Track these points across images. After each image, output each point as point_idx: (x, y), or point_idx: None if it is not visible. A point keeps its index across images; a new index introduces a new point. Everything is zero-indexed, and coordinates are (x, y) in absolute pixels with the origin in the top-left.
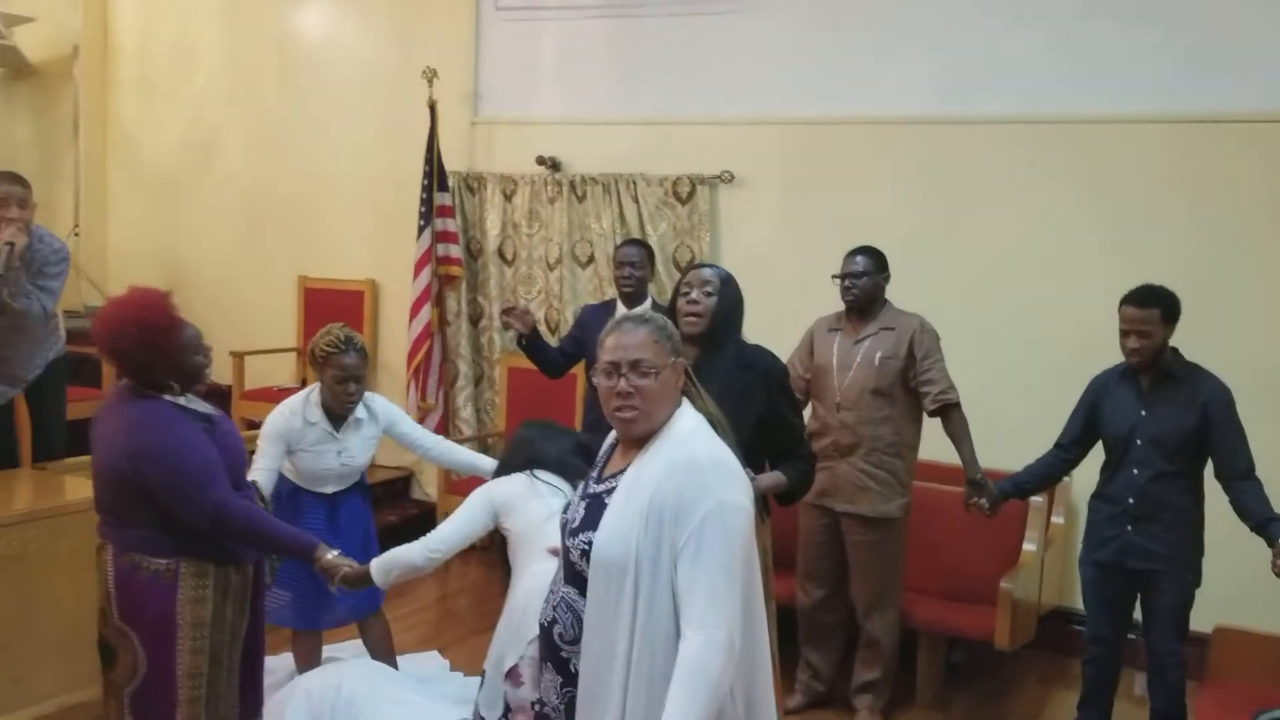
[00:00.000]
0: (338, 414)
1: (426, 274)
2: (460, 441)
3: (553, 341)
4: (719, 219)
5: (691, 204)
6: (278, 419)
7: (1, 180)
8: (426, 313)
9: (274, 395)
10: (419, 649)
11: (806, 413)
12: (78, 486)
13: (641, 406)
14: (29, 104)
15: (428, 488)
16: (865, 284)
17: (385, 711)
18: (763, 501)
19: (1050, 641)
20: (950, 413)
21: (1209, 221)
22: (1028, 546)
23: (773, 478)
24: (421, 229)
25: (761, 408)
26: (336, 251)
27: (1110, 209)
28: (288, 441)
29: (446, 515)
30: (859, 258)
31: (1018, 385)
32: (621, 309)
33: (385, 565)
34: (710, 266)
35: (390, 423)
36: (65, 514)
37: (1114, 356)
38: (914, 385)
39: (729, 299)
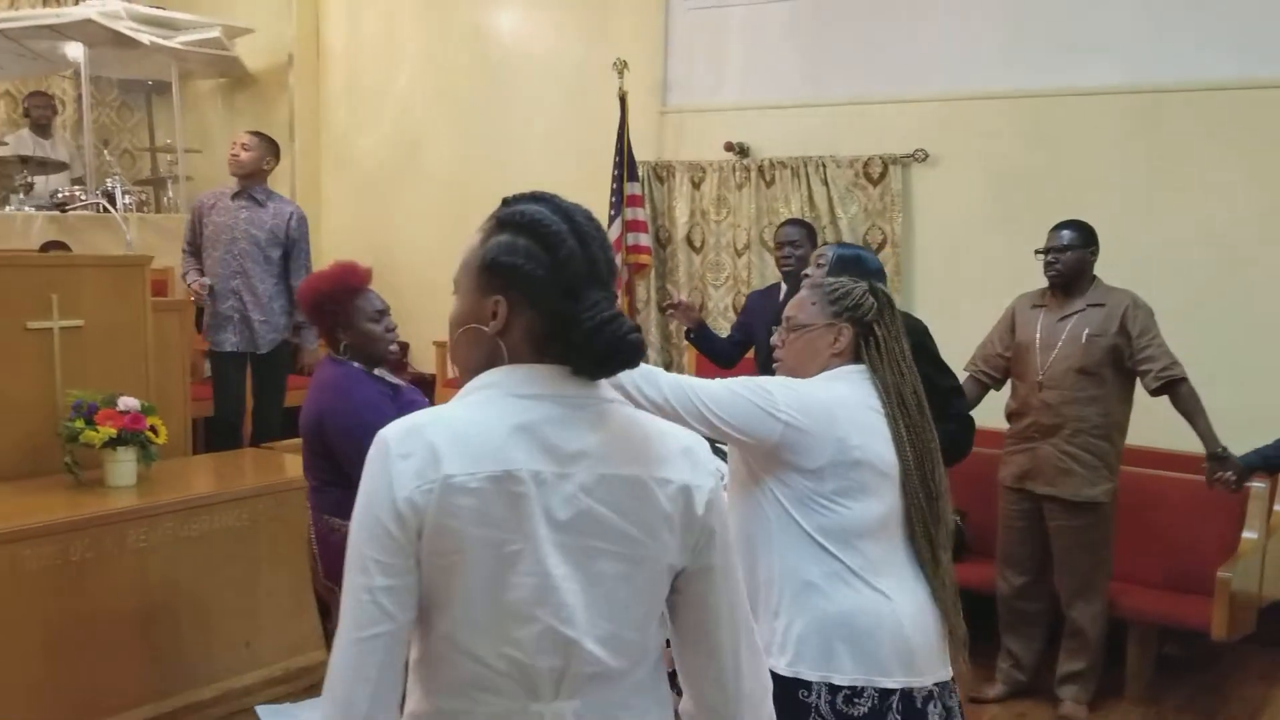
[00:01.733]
0: None
1: (617, 263)
2: None
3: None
4: (912, 199)
5: (883, 184)
6: None
7: (245, 133)
8: (617, 301)
9: None
10: None
11: (1004, 391)
12: (296, 464)
13: (783, 359)
14: (249, 112)
15: None
16: (1070, 259)
17: None
18: None
19: (1273, 636)
20: (1178, 388)
21: None
22: (1248, 535)
23: None
24: (612, 219)
25: None
26: None
27: None
28: None
29: None
30: (1064, 231)
31: (1238, 368)
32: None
33: None
34: (833, 245)
35: None
36: (288, 490)
37: None
38: (1131, 365)
39: (841, 272)
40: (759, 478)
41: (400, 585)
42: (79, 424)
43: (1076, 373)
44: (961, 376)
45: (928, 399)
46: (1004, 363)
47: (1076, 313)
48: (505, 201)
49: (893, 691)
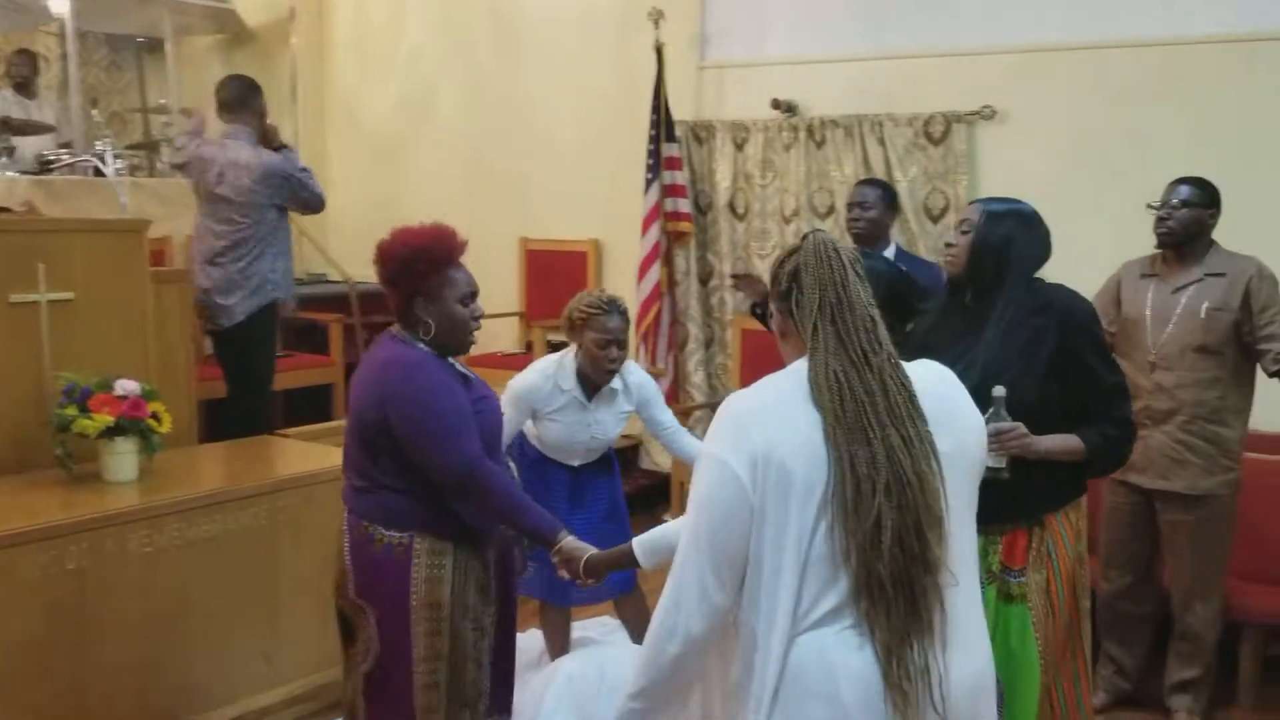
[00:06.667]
0: (593, 383)
1: (655, 231)
2: (691, 409)
3: None
4: (978, 160)
5: (946, 145)
6: (525, 379)
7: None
8: (655, 272)
9: (499, 360)
10: None
11: None
12: (321, 454)
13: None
14: (248, 71)
15: (658, 457)
16: (1184, 217)
17: None
18: (1065, 478)
19: None
20: None
21: None
22: None
23: (1059, 440)
24: (649, 183)
25: (1054, 358)
26: (558, 211)
27: None
28: (532, 405)
29: (682, 486)
30: (1183, 187)
31: None
32: None
33: (651, 546)
34: (978, 201)
35: (643, 401)
36: (313, 484)
37: None
38: (1249, 341)
39: (996, 234)
40: None
41: None
42: (71, 411)
43: (1195, 351)
44: None
45: (1092, 397)
46: (1110, 339)
47: (1194, 283)
48: None
49: None
